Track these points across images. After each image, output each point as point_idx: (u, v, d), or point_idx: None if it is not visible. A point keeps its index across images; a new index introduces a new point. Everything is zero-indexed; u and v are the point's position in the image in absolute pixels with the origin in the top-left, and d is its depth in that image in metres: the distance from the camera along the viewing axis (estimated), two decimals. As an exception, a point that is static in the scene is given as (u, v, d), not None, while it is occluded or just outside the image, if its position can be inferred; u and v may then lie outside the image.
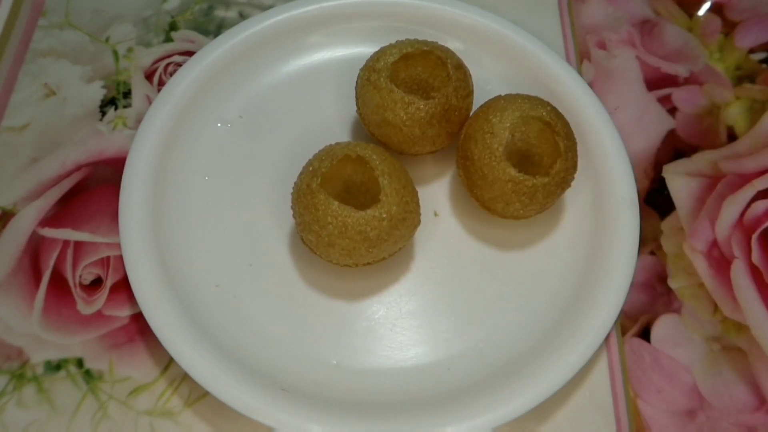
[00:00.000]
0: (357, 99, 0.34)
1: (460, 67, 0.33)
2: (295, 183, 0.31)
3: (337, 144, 0.31)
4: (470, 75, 0.34)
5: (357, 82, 0.34)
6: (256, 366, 0.30)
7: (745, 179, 0.37)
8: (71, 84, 0.39)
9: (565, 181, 0.31)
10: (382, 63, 0.32)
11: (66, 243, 0.34)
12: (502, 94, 0.33)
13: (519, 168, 0.31)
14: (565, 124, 0.32)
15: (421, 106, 0.31)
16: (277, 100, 0.38)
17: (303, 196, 0.30)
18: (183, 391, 0.31)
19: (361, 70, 0.34)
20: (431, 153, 0.35)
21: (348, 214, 0.28)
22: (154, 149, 0.34)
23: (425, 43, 0.33)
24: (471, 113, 0.34)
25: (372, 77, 0.32)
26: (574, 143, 0.32)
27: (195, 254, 0.33)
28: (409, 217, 0.30)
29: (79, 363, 0.31)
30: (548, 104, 0.32)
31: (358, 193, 0.32)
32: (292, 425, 0.28)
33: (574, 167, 0.32)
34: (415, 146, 0.33)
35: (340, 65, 0.39)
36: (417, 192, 0.31)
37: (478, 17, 0.39)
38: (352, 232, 0.29)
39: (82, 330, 0.32)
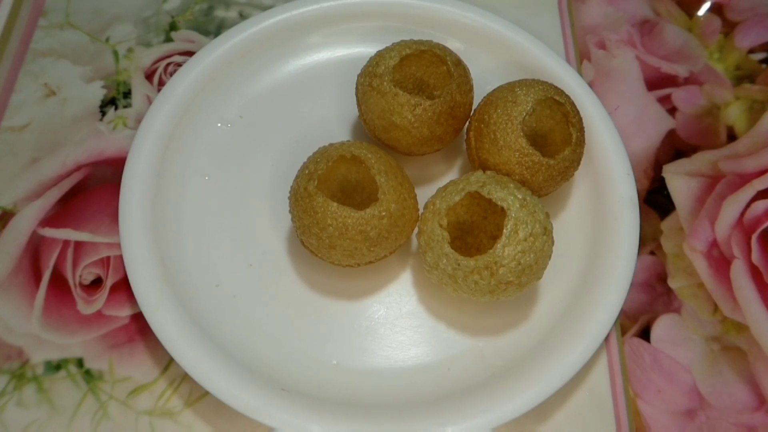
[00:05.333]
0: (359, 106, 0.34)
1: (459, 63, 0.33)
2: (291, 187, 0.31)
3: (331, 145, 0.31)
4: (469, 70, 0.34)
5: (357, 89, 0.34)
6: (256, 366, 0.30)
7: (744, 179, 0.37)
8: (71, 84, 0.39)
9: (567, 171, 0.32)
10: (382, 67, 0.32)
11: (66, 243, 0.34)
12: (502, 94, 0.33)
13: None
14: (580, 120, 0.32)
15: (428, 106, 0.31)
16: (277, 100, 0.38)
17: (301, 200, 0.30)
18: (183, 391, 0.31)
19: (360, 76, 0.34)
20: (438, 150, 0.35)
21: (348, 215, 0.28)
22: (154, 149, 0.34)
23: (421, 42, 0.33)
24: (473, 108, 0.34)
25: (374, 83, 0.32)
26: (584, 141, 0.32)
27: (195, 254, 0.33)
28: (408, 213, 0.30)
29: (79, 363, 0.31)
30: (569, 97, 0.32)
31: (354, 192, 0.32)
32: (292, 425, 0.28)
33: (578, 162, 0.32)
34: (423, 146, 0.33)
35: (340, 65, 0.39)
36: (413, 187, 0.31)
37: (478, 17, 0.39)
38: (352, 232, 0.29)
39: (82, 330, 0.32)
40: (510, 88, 0.32)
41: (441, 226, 0.29)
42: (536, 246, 0.28)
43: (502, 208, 0.28)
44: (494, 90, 0.33)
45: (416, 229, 0.31)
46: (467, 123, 0.34)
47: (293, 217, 0.30)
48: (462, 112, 0.33)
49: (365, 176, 0.30)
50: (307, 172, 0.30)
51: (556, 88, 0.32)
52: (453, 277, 0.29)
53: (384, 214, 0.29)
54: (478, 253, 0.29)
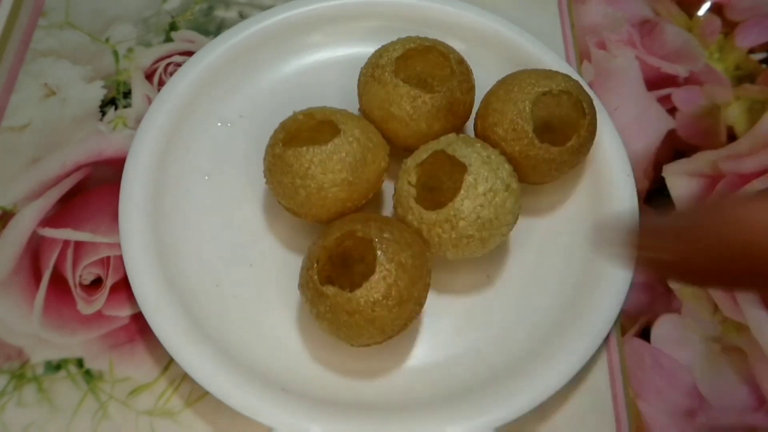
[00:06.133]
0: (359, 97, 0.34)
1: (462, 61, 0.33)
2: (264, 168, 0.31)
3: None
4: (471, 70, 0.34)
5: (359, 80, 0.34)
6: (256, 366, 0.30)
7: (745, 179, 0.37)
8: (71, 84, 0.39)
9: (577, 155, 0.32)
10: (385, 59, 0.32)
11: (66, 243, 0.34)
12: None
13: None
14: (594, 112, 0.33)
15: (427, 99, 0.32)
16: (277, 100, 0.38)
17: (274, 167, 0.30)
18: (183, 391, 0.31)
19: (363, 68, 0.34)
20: None
21: (320, 150, 0.29)
22: (154, 149, 0.34)
23: (426, 39, 0.33)
24: (473, 108, 0.34)
25: (376, 73, 0.32)
26: (594, 130, 0.33)
27: (195, 254, 0.33)
28: (375, 138, 0.31)
29: (79, 363, 0.31)
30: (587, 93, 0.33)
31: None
32: (292, 425, 0.28)
33: (590, 140, 0.33)
34: (420, 141, 0.33)
35: (341, 65, 0.39)
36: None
37: (479, 17, 0.39)
38: (333, 163, 0.29)
39: (82, 330, 0.32)
40: (535, 73, 0.32)
41: (410, 183, 0.30)
42: (496, 201, 0.29)
43: (464, 164, 0.29)
44: (515, 73, 0.33)
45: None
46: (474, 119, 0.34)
47: (274, 188, 0.31)
48: (461, 109, 0.33)
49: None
50: (269, 145, 0.31)
51: (578, 84, 0.33)
52: (419, 230, 0.29)
53: (351, 139, 0.30)
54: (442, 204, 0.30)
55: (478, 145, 0.30)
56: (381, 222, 0.29)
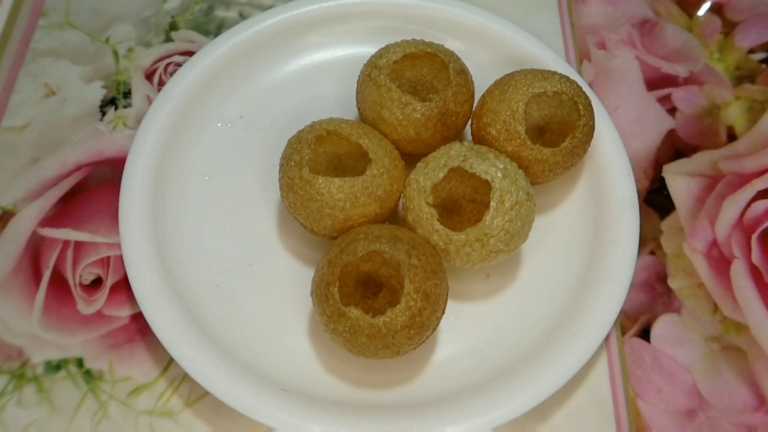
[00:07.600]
0: (357, 93, 0.34)
1: (462, 72, 0.33)
2: (280, 183, 0.31)
3: (303, 130, 0.31)
4: (472, 81, 0.34)
5: (359, 77, 0.34)
6: (256, 366, 0.30)
7: (744, 179, 0.37)
8: (71, 84, 0.39)
9: (572, 157, 0.32)
10: (384, 60, 0.32)
11: (66, 243, 0.34)
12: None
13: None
14: (592, 111, 0.32)
15: (418, 108, 0.31)
16: (277, 100, 0.38)
17: (300, 190, 0.30)
18: (183, 391, 0.31)
19: (365, 65, 0.34)
20: (425, 155, 0.35)
21: (353, 183, 0.29)
22: (154, 149, 0.34)
23: (430, 45, 0.33)
24: (469, 119, 0.34)
25: (373, 74, 0.32)
26: (591, 132, 0.32)
27: (195, 254, 0.33)
28: (398, 163, 0.31)
29: (79, 363, 0.31)
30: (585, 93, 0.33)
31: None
32: (292, 425, 0.28)
33: (586, 141, 0.32)
34: (408, 146, 0.33)
35: (340, 65, 0.39)
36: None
37: (478, 17, 0.39)
38: (362, 197, 0.29)
39: (82, 330, 0.32)
40: (532, 74, 0.32)
41: (428, 203, 0.29)
42: (522, 213, 0.29)
43: (486, 181, 0.29)
44: (513, 73, 0.33)
45: (401, 204, 0.31)
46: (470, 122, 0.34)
47: (295, 208, 0.30)
48: (454, 121, 0.33)
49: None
50: (293, 163, 0.30)
51: (576, 85, 0.32)
52: (446, 250, 0.29)
53: (382, 170, 0.30)
54: (459, 218, 0.30)
55: (491, 155, 0.30)
56: (408, 243, 0.28)
